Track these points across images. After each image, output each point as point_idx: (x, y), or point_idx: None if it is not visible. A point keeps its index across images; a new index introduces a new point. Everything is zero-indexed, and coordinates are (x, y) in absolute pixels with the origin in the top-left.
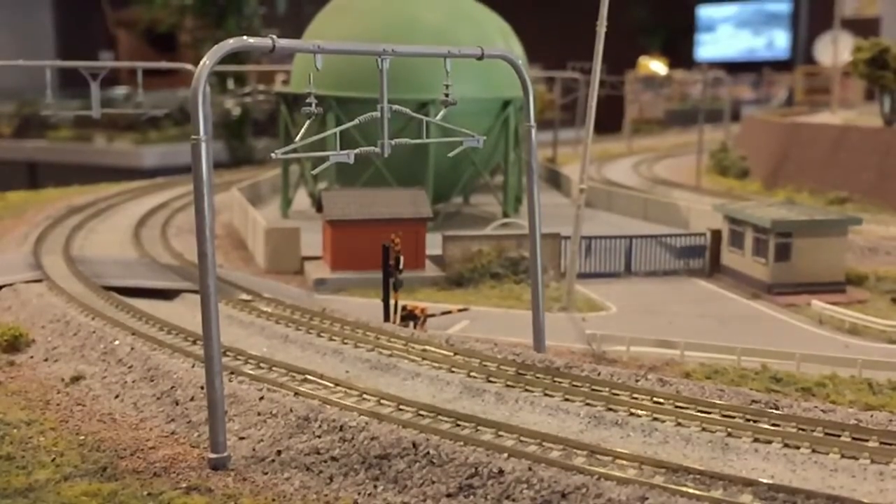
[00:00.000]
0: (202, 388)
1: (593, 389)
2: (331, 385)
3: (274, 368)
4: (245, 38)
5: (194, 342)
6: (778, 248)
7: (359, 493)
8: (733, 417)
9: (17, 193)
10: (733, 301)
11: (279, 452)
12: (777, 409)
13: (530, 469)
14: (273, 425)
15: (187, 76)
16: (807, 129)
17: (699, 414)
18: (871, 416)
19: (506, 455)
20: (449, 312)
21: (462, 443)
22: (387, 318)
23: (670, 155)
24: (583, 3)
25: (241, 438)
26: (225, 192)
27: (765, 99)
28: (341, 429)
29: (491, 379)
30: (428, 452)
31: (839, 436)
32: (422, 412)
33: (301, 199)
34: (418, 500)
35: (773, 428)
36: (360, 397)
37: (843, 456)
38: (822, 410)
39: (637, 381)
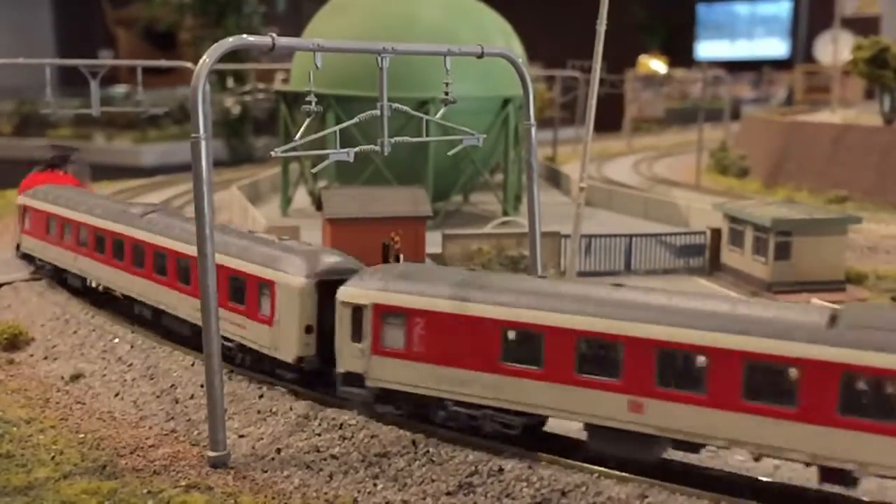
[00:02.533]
0: (202, 386)
1: None
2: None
3: None
4: (245, 36)
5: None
6: (778, 246)
7: (358, 491)
8: None
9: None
10: None
11: (279, 450)
12: None
13: (530, 467)
14: (273, 423)
15: (187, 74)
16: (807, 128)
17: None
18: None
19: (505, 453)
20: None
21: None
22: None
23: (670, 154)
24: (583, 2)
25: (241, 436)
26: (225, 191)
27: (765, 98)
28: (341, 427)
29: None
30: (428, 450)
31: None
32: None
33: (301, 198)
34: (418, 498)
35: None
36: None
37: None
38: None
39: None
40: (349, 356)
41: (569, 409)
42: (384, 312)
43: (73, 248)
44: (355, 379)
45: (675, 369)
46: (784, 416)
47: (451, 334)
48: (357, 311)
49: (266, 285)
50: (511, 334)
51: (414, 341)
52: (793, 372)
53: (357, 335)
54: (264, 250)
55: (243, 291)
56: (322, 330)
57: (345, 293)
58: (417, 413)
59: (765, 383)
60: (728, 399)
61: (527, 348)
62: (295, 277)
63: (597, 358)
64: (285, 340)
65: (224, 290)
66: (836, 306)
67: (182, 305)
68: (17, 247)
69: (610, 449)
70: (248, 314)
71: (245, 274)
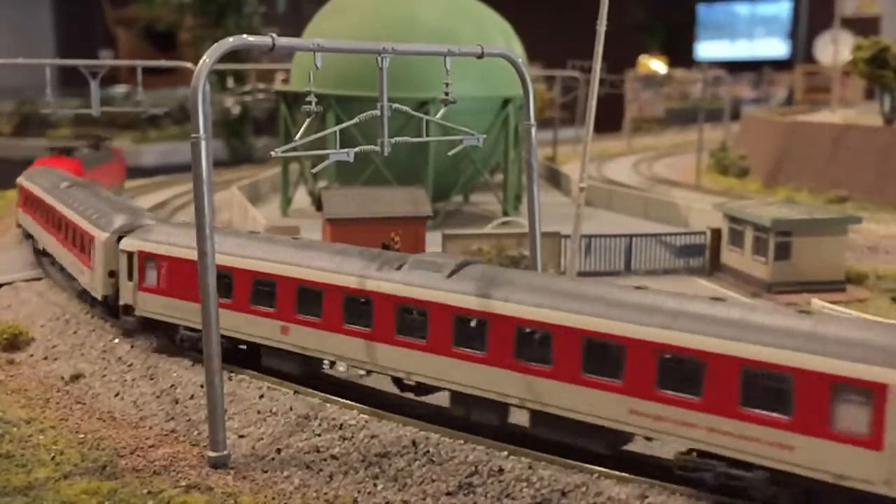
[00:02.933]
0: (202, 386)
1: None
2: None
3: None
4: (245, 36)
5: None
6: (778, 246)
7: (358, 492)
8: None
9: None
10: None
11: (279, 451)
12: None
13: (530, 467)
14: (273, 423)
15: (187, 75)
16: (807, 128)
17: None
18: None
19: (506, 454)
20: None
21: (462, 441)
22: None
23: (670, 154)
24: (583, 2)
25: (241, 436)
26: (225, 191)
27: (765, 98)
28: (341, 427)
29: None
30: (428, 451)
31: None
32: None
33: (301, 198)
34: (418, 498)
35: None
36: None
37: None
38: None
39: None
40: (126, 292)
41: (246, 332)
42: (145, 257)
43: (33, 216)
44: (130, 310)
45: (307, 302)
46: (365, 336)
47: (179, 274)
48: (130, 256)
49: (90, 239)
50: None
51: (161, 280)
52: (369, 303)
53: (130, 275)
54: (102, 210)
55: (83, 244)
56: None
57: (124, 243)
58: (169, 336)
59: (356, 312)
60: (335, 324)
61: (222, 285)
62: (102, 233)
63: (262, 293)
64: (97, 282)
65: (79, 245)
66: (414, 255)
67: (69, 261)
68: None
69: (274, 364)
70: (84, 262)
71: (83, 230)
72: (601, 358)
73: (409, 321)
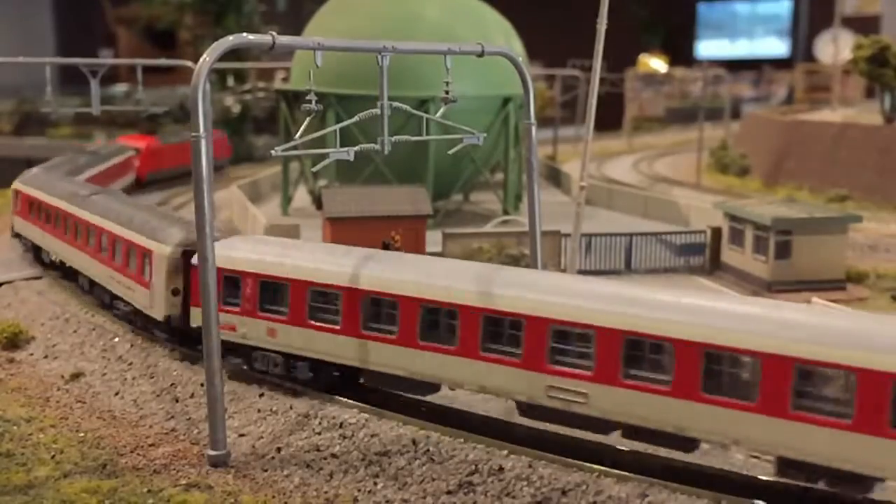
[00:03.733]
0: (202, 384)
1: None
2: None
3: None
4: (245, 34)
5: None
6: (778, 245)
7: (359, 490)
8: None
9: None
10: None
11: (279, 449)
12: None
13: (530, 466)
14: (273, 422)
15: (187, 73)
16: (807, 127)
17: None
18: None
19: (506, 452)
20: None
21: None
22: None
23: (670, 152)
24: (583, 1)
25: (241, 435)
26: (225, 190)
27: (765, 97)
28: (341, 426)
29: None
30: (428, 449)
31: None
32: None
33: (301, 197)
34: (418, 497)
35: None
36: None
37: None
38: None
39: None
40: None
41: (36, 240)
42: (16, 193)
43: None
44: (12, 229)
45: (53, 220)
46: (58, 237)
47: (25, 204)
48: (12, 193)
49: None
50: (31, 205)
51: (21, 208)
52: (59, 217)
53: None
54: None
55: None
56: None
57: (14, 185)
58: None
59: (63, 226)
60: (59, 234)
61: (42, 214)
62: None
63: (45, 215)
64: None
65: None
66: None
67: None
68: None
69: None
70: None
71: None
72: (126, 255)
73: (74, 227)
